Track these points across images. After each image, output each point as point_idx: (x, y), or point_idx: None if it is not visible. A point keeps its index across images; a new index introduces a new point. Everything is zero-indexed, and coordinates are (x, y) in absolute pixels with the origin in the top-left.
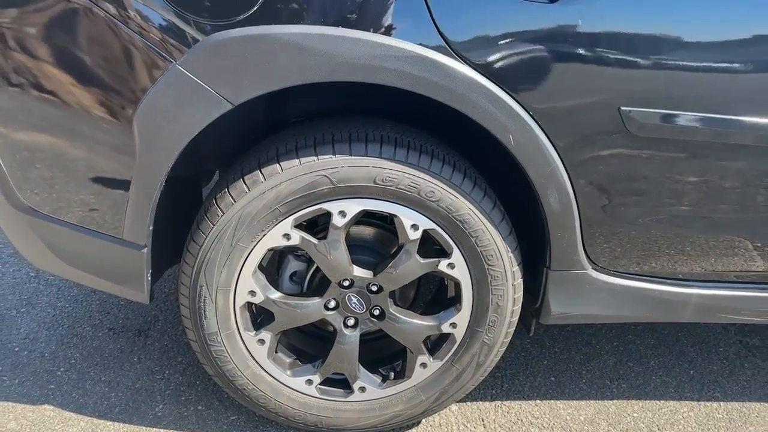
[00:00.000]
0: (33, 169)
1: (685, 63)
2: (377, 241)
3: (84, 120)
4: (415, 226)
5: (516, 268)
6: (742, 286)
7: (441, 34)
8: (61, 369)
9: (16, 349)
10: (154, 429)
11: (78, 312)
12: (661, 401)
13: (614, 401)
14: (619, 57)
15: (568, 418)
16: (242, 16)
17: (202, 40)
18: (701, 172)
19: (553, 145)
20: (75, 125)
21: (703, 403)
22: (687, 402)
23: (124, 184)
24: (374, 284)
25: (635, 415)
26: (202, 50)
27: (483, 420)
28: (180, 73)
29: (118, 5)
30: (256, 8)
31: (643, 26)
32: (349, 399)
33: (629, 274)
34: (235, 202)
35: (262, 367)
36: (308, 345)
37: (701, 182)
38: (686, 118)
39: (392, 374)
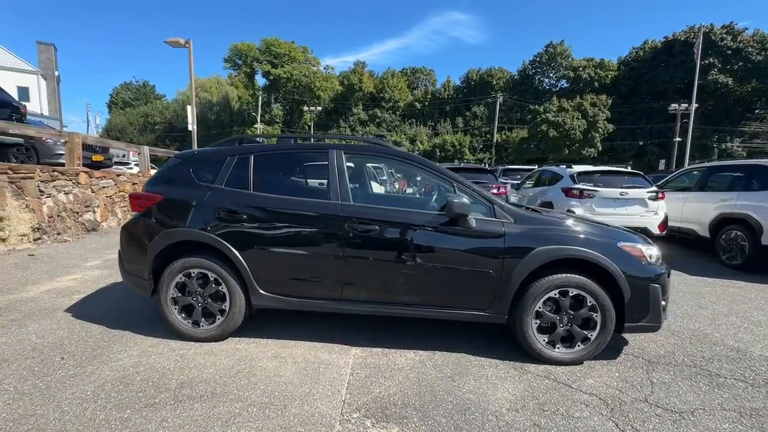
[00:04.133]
0: (129, 264)
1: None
2: (204, 282)
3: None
4: (212, 275)
5: (240, 290)
6: (306, 299)
7: (208, 231)
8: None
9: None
10: (164, 339)
11: (135, 305)
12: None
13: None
14: (262, 233)
15: (293, 344)
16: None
17: (163, 231)
18: (291, 261)
19: (239, 252)
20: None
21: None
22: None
23: (144, 262)
24: (206, 293)
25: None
26: (163, 234)
27: (241, 333)
28: (157, 240)
29: (156, 220)
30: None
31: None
32: (199, 328)
33: (272, 292)
34: (169, 267)
35: (176, 317)
36: (189, 312)
37: (293, 262)
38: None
39: (212, 320)
